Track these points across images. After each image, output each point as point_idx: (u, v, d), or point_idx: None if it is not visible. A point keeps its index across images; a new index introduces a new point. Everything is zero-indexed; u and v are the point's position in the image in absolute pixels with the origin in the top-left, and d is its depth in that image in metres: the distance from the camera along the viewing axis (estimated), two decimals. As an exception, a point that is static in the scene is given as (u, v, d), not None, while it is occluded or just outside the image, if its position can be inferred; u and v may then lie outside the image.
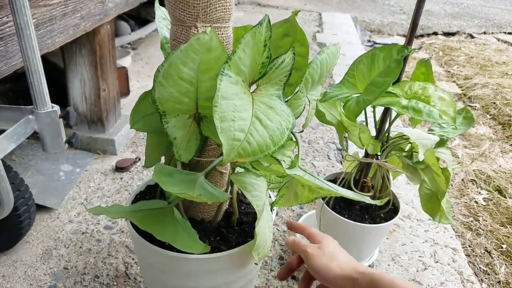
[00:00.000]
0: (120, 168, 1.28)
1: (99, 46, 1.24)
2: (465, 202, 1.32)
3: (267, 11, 3.43)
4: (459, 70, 2.48)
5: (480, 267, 1.07)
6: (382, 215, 0.91)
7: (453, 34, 3.30)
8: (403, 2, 4.20)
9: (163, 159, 0.71)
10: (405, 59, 0.77)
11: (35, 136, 0.87)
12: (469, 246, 1.14)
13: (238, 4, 3.63)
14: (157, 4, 0.73)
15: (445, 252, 1.07)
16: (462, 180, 1.44)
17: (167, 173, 0.58)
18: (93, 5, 1.12)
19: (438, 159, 0.80)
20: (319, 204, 0.91)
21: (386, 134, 0.87)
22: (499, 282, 1.03)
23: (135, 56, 2.20)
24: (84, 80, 1.28)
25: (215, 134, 0.48)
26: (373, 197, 0.88)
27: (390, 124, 0.86)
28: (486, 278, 1.04)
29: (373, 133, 0.87)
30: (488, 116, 1.93)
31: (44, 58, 0.83)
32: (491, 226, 1.22)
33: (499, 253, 1.12)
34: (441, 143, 0.85)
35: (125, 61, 2.00)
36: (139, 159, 1.34)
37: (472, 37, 3.23)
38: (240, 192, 0.77)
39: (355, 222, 0.86)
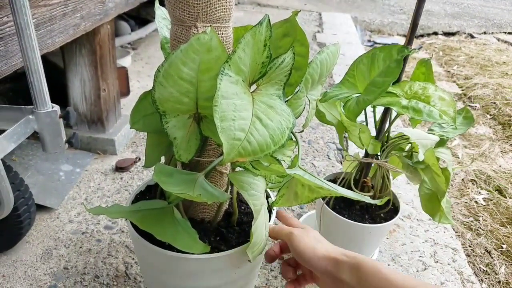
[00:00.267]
0: (120, 168, 1.28)
1: (99, 46, 1.24)
2: (465, 202, 1.32)
3: (267, 11, 3.43)
4: (459, 70, 2.48)
5: (480, 267, 1.07)
6: (382, 215, 0.91)
7: (453, 34, 3.30)
8: (403, 2, 4.20)
9: (163, 159, 0.71)
10: (405, 59, 0.77)
11: (35, 136, 0.87)
12: (469, 246, 1.14)
13: (238, 4, 3.63)
14: (157, 4, 0.73)
15: (445, 252, 1.07)
16: (462, 180, 1.44)
17: (167, 173, 0.58)
18: (93, 5, 1.12)
19: (438, 159, 0.80)
20: (319, 204, 0.91)
21: (386, 134, 0.87)
22: (499, 282, 1.03)
23: (135, 56, 2.20)
24: (84, 80, 1.28)
25: (215, 134, 0.48)
26: (373, 197, 0.88)
27: (390, 124, 0.86)
28: (486, 278, 1.04)
29: (373, 133, 0.87)
30: (488, 116, 1.93)
31: (44, 58, 0.83)
32: (491, 226, 1.22)
33: (499, 253, 1.12)
34: (441, 143, 0.85)
35: (125, 61, 2.00)
36: (139, 159, 1.34)
37: (472, 37, 3.23)
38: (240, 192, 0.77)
39: (355, 222, 0.86)
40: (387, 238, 1.09)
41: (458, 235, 1.17)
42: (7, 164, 0.85)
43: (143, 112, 0.64)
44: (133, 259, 0.98)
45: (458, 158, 1.57)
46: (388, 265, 1.01)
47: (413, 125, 0.90)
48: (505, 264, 1.09)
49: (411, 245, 1.08)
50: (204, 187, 0.58)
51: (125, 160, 1.31)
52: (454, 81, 2.34)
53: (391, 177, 0.90)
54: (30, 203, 0.91)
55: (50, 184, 1.18)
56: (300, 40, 0.62)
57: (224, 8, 0.56)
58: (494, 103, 2.03)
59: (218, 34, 0.57)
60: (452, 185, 1.40)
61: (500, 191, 1.39)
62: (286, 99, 0.66)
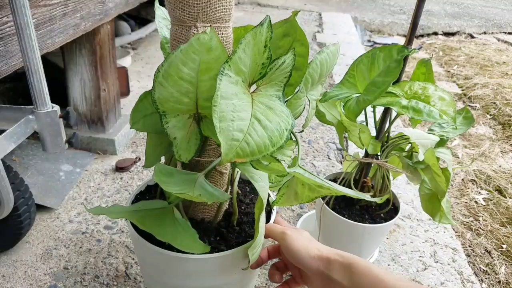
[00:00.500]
0: (120, 168, 1.28)
1: (99, 46, 1.24)
2: (465, 202, 1.32)
3: (267, 11, 3.43)
4: (459, 70, 2.48)
5: (480, 267, 1.07)
6: (382, 215, 0.91)
7: (453, 34, 3.30)
8: (403, 2, 4.20)
9: (163, 159, 0.71)
10: (405, 59, 0.77)
11: (35, 136, 0.88)
12: (469, 246, 1.14)
13: (238, 4, 3.63)
14: (157, 4, 0.73)
15: (445, 252, 1.07)
16: (462, 180, 1.44)
17: (167, 173, 0.58)
18: (93, 5, 1.12)
19: (438, 159, 0.80)
20: (319, 204, 0.91)
21: (386, 134, 0.87)
22: (499, 282, 1.03)
23: (135, 56, 2.20)
24: (84, 80, 1.28)
25: (215, 134, 0.48)
26: (373, 197, 0.88)
27: (390, 124, 0.86)
28: (486, 278, 1.04)
29: (373, 133, 0.87)
30: (488, 116, 1.93)
31: (44, 58, 0.83)
32: (491, 226, 1.22)
33: (499, 253, 1.12)
34: (441, 143, 0.85)
35: (125, 61, 2.00)
36: (139, 159, 1.34)
37: (472, 37, 3.23)
38: (240, 192, 0.77)
39: (355, 222, 0.86)
40: (387, 238, 1.09)
41: (458, 235, 1.17)
42: (7, 164, 0.85)
43: (143, 112, 0.64)
44: (133, 259, 0.98)
45: (458, 158, 1.57)
46: (388, 265, 1.01)
47: (413, 125, 0.90)
48: (505, 264, 1.09)
49: (411, 245, 1.08)
50: (204, 187, 0.58)
51: (125, 160, 1.31)
52: (454, 81, 2.34)
53: (391, 177, 0.90)
54: (30, 203, 0.91)
55: (50, 184, 1.18)
56: (300, 40, 0.62)
57: (224, 8, 0.56)
58: (494, 103, 2.03)
59: (218, 34, 0.57)
60: (452, 185, 1.40)
61: (500, 191, 1.39)
62: (286, 99, 0.66)
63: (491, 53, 2.77)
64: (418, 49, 2.82)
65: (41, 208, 1.10)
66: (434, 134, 0.86)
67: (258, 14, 3.35)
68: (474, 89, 2.18)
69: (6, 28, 0.80)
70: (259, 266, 0.63)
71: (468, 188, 1.39)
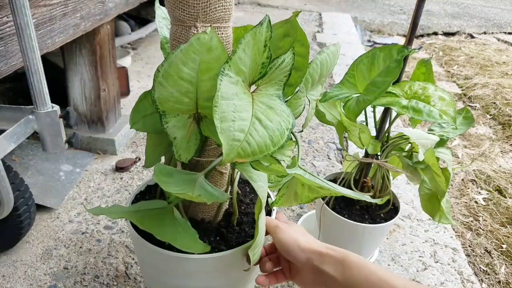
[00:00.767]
0: (120, 168, 1.28)
1: (99, 46, 1.24)
2: (465, 202, 1.32)
3: (267, 11, 3.43)
4: (459, 70, 2.48)
5: (480, 267, 1.07)
6: (382, 215, 0.91)
7: (453, 34, 3.30)
8: (403, 2, 4.20)
9: (163, 159, 0.71)
10: (405, 59, 0.77)
11: (35, 136, 0.88)
12: (469, 246, 1.14)
13: (238, 4, 3.63)
14: (157, 3, 0.73)
15: (445, 252, 1.07)
16: (462, 180, 1.44)
17: (167, 173, 0.58)
18: (93, 5, 1.12)
19: (438, 159, 0.80)
20: (319, 204, 0.91)
21: (386, 134, 0.87)
22: (499, 282, 1.03)
23: (135, 56, 2.20)
24: (84, 80, 1.28)
25: (215, 134, 0.48)
26: (373, 197, 0.88)
27: (390, 124, 0.86)
28: (486, 278, 1.04)
29: (373, 133, 0.87)
30: (488, 116, 1.93)
31: (44, 58, 0.83)
32: (491, 226, 1.22)
33: (499, 253, 1.12)
34: (441, 143, 0.85)
35: (125, 61, 2.00)
36: (139, 159, 1.34)
37: (472, 37, 3.23)
38: (240, 192, 0.77)
39: (355, 222, 0.86)
40: (387, 238, 1.09)
41: (458, 235, 1.17)
42: (7, 164, 0.85)
43: (143, 112, 0.64)
44: (133, 259, 0.98)
45: (458, 158, 1.57)
46: (388, 265, 1.01)
47: (413, 125, 0.90)
48: (505, 264, 1.09)
49: (411, 245, 1.08)
50: (204, 187, 0.58)
51: (125, 160, 1.31)
52: (454, 81, 2.34)
53: (391, 177, 0.90)
54: (30, 203, 0.91)
55: (50, 184, 1.18)
56: (300, 40, 0.62)
57: (224, 8, 0.56)
58: (494, 103, 2.03)
59: (218, 34, 0.57)
60: (452, 185, 1.40)
61: (500, 191, 1.39)
62: (286, 99, 0.66)
63: (491, 53, 2.77)
64: (418, 49, 2.82)
65: (41, 208, 1.10)
66: (434, 134, 0.86)
67: (258, 14, 3.35)
68: (474, 89, 2.18)
69: (6, 28, 0.80)
70: (258, 264, 0.63)
71: (468, 188, 1.39)
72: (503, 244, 1.15)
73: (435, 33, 3.29)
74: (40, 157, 1.27)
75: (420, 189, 0.85)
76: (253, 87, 0.57)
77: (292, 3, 3.79)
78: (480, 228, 1.21)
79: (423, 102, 0.76)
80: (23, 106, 0.83)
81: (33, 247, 0.99)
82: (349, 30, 2.97)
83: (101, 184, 1.22)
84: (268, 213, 0.71)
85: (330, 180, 0.98)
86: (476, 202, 1.32)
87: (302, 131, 0.76)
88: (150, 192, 0.77)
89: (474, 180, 1.44)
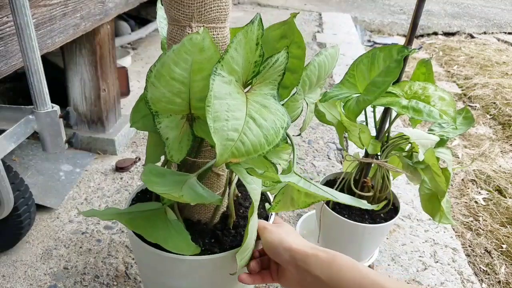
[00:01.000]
0: (120, 168, 1.28)
1: (99, 46, 1.24)
2: (465, 202, 1.32)
3: (267, 11, 3.43)
4: (459, 70, 2.48)
5: (480, 267, 1.07)
6: (382, 215, 0.91)
7: (453, 34, 3.30)
8: (403, 2, 4.20)
9: (163, 158, 0.71)
10: (405, 59, 0.77)
11: (35, 136, 0.87)
12: (469, 246, 1.14)
13: (238, 4, 3.63)
14: (159, 4, 0.72)
15: (445, 252, 1.07)
16: (462, 180, 1.44)
17: (159, 173, 0.57)
18: (93, 5, 1.12)
19: (438, 159, 0.80)
20: (319, 204, 0.91)
21: (386, 134, 0.87)
22: (499, 282, 1.03)
23: (135, 56, 2.20)
24: (84, 80, 1.28)
25: (208, 134, 0.47)
26: (373, 197, 0.88)
27: (390, 124, 0.86)
28: (486, 278, 1.04)
29: (373, 133, 0.87)
30: (488, 116, 1.93)
31: (44, 58, 0.83)
32: (491, 226, 1.22)
33: (499, 253, 1.12)
34: (441, 143, 0.85)
35: (125, 61, 2.00)
36: (139, 159, 1.34)
37: (472, 37, 3.23)
38: (240, 195, 0.77)
39: (355, 222, 0.86)
40: (387, 238, 1.09)
41: (458, 235, 1.17)
42: (7, 164, 0.85)
43: (143, 112, 0.64)
44: (133, 259, 0.98)
45: (458, 158, 1.57)
46: (388, 265, 1.01)
47: (413, 125, 0.90)
48: (505, 264, 1.09)
49: (411, 245, 1.08)
50: (193, 188, 0.57)
51: (125, 160, 1.31)
52: (454, 81, 2.34)
53: (391, 177, 0.90)
54: (30, 203, 0.91)
55: (50, 184, 1.18)
56: (297, 42, 0.61)
57: (220, 9, 0.56)
58: (494, 103, 2.03)
59: (214, 34, 0.57)
60: (452, 185, 1.40)
61: (500, 191, 1.39)
62: (283, 102, 0.65)
63: (491, 53, 2.77)
64: (418, 49, 2.82)
65: (41, 208, 1.10)
66: (434, 134, 0.86)
67: (258, 14, 3.34)
68: (474, 89, 2.18)
69: (6, 28, 0.80)
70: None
71: (468, 188, 1.39)
72: (503, 244, 1.15)
73: (435, 33, 3.29)
74: (40, 157, 1.27)
75: (420, 189, 0.85)
76: (248, 88, 0.56)
77: (292, 3, 3.79)
78: (480, 228, 1.21)
79: (423, 102, 0.76)
80: (23, 106, 0.83)
81: (33, 247, 0.99)
82: (349, 30, 2.97)
83: (101, 184, 1.22)
84: (266, 217, 0.71)
85: (330, 180, 0.98)
86: (476, 202, 1.32)
87: (299, 134, 0.76)
88: (150, 192, 0.77)
89: (474, 180, 1.44)
